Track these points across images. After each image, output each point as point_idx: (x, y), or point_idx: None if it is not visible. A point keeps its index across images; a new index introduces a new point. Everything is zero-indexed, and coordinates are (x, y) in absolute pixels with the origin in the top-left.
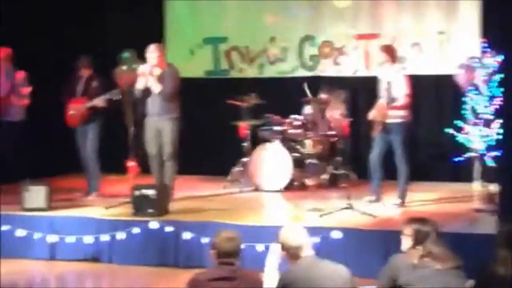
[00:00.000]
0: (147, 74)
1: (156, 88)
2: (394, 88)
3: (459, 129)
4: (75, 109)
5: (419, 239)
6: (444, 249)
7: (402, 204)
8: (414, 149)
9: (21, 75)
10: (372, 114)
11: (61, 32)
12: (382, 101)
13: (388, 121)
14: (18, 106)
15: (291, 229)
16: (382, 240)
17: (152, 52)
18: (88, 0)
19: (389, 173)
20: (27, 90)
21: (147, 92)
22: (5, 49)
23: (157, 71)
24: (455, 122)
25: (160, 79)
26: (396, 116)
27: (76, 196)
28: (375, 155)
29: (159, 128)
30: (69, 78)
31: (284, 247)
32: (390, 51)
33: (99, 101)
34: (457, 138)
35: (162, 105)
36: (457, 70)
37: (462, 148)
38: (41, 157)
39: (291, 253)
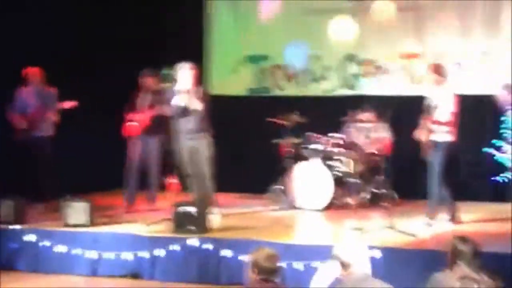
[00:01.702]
0: (188, 91)
1: (198, 105)
2: (442, 106)
3: (498, 149)
4: (139, 119)
5: (453, 257)
6: (482, 270)
7: (430, 221)
8: (455, 168)
9: (53, 91)
10: (419, 134)
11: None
12: (429, 120)
13: (432, 138)
14: (48, 121)
15: (350, 245)
16: (422, 260)
17: (189, 69)
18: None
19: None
20: (68, 104)
21: (186, 110)
22: (34, 68)
23: (199, 89)
24: (494, 141)
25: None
26: (440, 134)
27: (117, 212)
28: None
29: (195, 146)
30: (134, 92)
31: (342, 263)
32: (439, 71)
33: (167, 110)
34: (496, 158)
35: (198, 123)
36: (499, 90)
37: (502, 168)
38: (79, 173)
39: (346, 269)
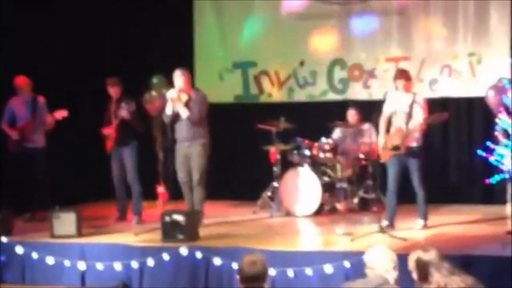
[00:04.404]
0: (175, 99)
1: (184, 113)
2: (414, 111)
3: (491, 151)
4: (108, 133)
5: (424, 270)
6: (454, 273)
7: (426, 226)
8: (446, 171)
9: (41, 100)
10: (388, 140)
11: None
12: (400, 125)
13: (406, 144)
14: (40, 131)
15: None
16: None
17: (178, 77)
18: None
19: (408, 196)
20: (60, 114)
21: (175, 117)
22: (21, 77)
23: (184, 96)
24: (487, 144)
25: (187, 104)
26: (415, 140)
27: (107, 223)
28: (392, 181)
29: (188, 153)
30: (106, 106)
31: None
32: (405, 76)
33: (123, 113)
34: (489, 160)
35: (190, 130)
36: (487, 91)
37: (495, 170)
38: (68, 185)
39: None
